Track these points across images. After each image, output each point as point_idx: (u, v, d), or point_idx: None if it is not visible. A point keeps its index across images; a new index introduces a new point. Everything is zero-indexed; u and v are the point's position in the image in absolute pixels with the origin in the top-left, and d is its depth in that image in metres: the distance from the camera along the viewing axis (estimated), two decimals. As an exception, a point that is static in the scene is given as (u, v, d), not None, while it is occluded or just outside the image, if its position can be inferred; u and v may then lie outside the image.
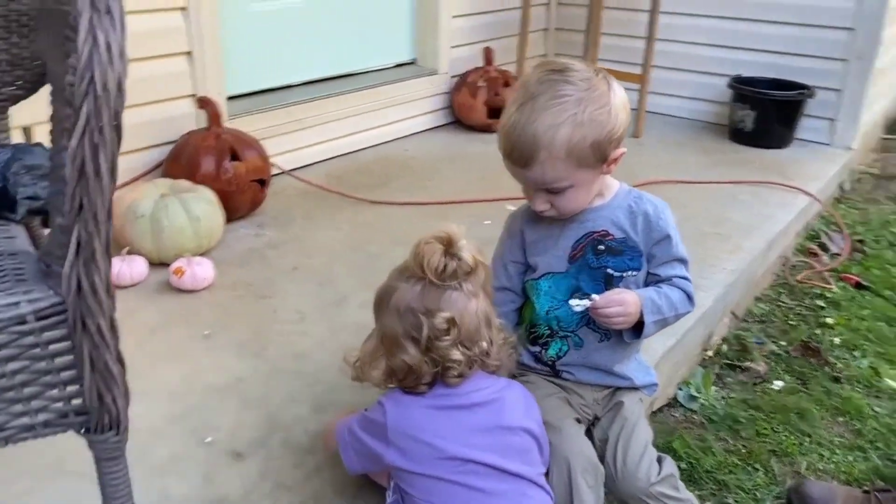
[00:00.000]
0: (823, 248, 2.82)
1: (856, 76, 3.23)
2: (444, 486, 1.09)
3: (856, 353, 2.14)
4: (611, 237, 1.32)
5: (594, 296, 1.28)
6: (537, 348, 1.41)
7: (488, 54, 3.37)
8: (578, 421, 1.35)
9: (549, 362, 1.40)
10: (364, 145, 3.10)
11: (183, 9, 2.28)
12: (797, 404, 1.90)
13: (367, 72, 3.21)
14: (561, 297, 1.35)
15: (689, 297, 1.35)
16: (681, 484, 1.33)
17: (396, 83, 3.18)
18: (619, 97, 1.24)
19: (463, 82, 3.34)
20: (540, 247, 1.37)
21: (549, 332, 1.39)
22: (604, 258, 1.33)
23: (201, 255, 2.02)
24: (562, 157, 1.20)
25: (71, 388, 0.86)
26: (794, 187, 2.85)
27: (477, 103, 3.29)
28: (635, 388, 1.42)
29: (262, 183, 2.33)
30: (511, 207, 2.83)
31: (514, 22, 3.50)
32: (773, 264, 2.59)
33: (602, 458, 1.30)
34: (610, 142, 1.23)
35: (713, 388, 1.97)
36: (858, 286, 2.53)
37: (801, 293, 2.50)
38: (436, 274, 1.12)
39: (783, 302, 2.45)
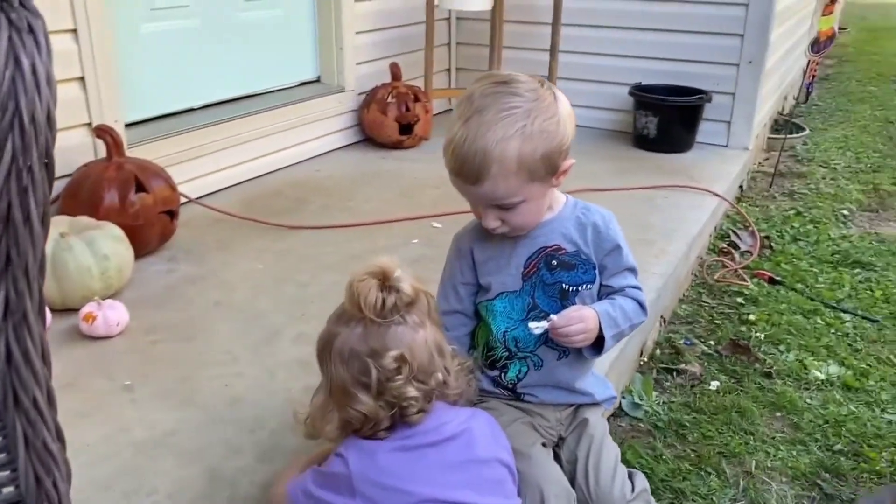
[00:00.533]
0: (734, 246, 2.92)
1: (748, 79, 3.38)
2: None
3: (781, 348, 2.21)
4: (563, 251, 1.29)
5: (552, 316, 1.23)
6: (496, 372, 1.36)
7: (395, 70, 3.31)
8: (544, 445, 1.30)
9: (510, 385, 1.35)
10: (273, 168, 2.96)
11: (73, 31, 2.10)
12: (736, 403, 1.93)
13: (272, 91, 3.08)
14: (517, 317, 1.31)
15: (642, 306, 1.33)
16: (652, 499, 1.30)
17: (302, 102, 3.07)
18: (566, 107, 1.20)
19: (371, 99, 3.27)
20: (491, 266, 1.32)
21: (507, 354, 1.33)
22: (558, 273, 1.29)
23: (111, 296, 1.85)
24: (513, 172, 1.15)
25: (1, 475, 0.73)
26: (702, 189, 2.93)
27: (388, 120, 3.22)
28: (596, 404, 1.39)
29: (172, 214, 2.18)
30: (437, 225, 2.81)
31: (418, 37, 3.46)
32: (692, 265, 2.65)
33: (572, 480, 1.26)
34: (560, 153, 1.19)
35: (654, 393, 1.97)
36: (771, 281, 2.63)
37: (720, 292, 2.57)
38: (375, 311, 1.04)
39: (705, 302, 2.51)
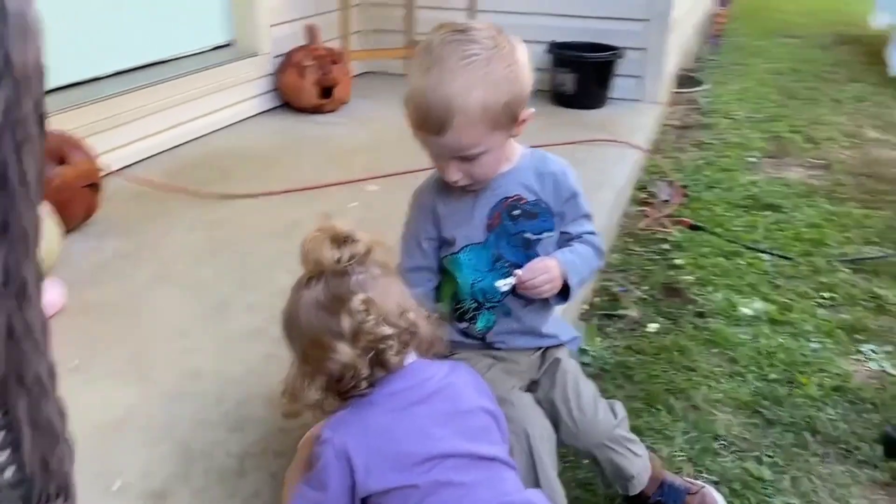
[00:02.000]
0: (654, 196, 3.03)
1: (656, 34, 3.49)
2: (425, 493, 1.00)
3: (709, 289, 2.32)
4: (524, 201, 1.30)
5: (517, 271, 1.26)
6: (465, 324, 1.37)
7: (313, 31, 3.22)
8: (521, 388, 1.33)
9: (480, 335, 1.37)
10: (191, 137, 2.85)
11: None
12: (675, 343, 2.03)
13: (184, 57, 2.94)
14: (484, 268, 1.32)
15: (600, 251, 1.37)
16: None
17: (216, 68, 2.95)
18: (524, 54, 1.21)
19: (288, 62, 3.17)
20: (455, 220, 1.32)
21: (475, 305, 1.35)
22: (520, 223, 1.31)
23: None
24: (477, 120, 1.15)
25: (3, 457, 0.69)
26: (623, 142, 3.03)
27: (306, 84, 3.14)
28: (562, 345, 1.43)
29: (94, 187, 2.06)
30: (372, 188, 2.78)
31: (332, -3, 3.37)
32: (619, 216, 2.74)
33: (552, 419, 1.30)
34: (521, 101, 1.20)
35: (598, 339, 2.04)
36: (692, 227, 2.75)
37: (646, 240, 2.67)
38: (332, 262, 1.04)
39: (633, 250, 2.60)
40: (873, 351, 1.99)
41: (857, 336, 2.06)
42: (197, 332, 1.65)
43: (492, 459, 1.06)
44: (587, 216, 1.37)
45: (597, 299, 2.26)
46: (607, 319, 2.17)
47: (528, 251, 1.31)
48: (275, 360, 1.55)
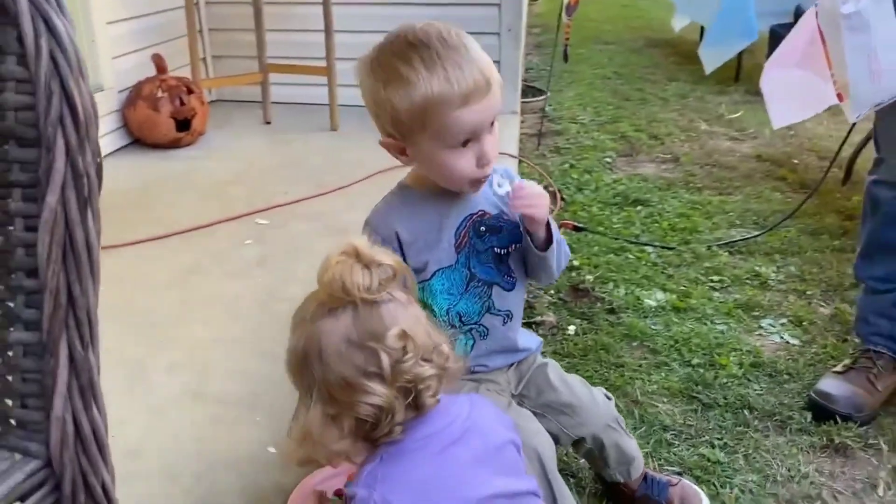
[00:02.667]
0: (532, 202, 3.10)
1: (508, 47, 3.59)
2: None
3: (610, 286, 2.41)
4: (488, 215, 1.28)
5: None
6: (441, 352, 1.31)
7: (159, 61, 2.99)
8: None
9: (459, 362, 1.31)
10: (38, 186, 2.53)
11: None
12: (597, 341, 2.08)
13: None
14: (457, 292, 1.28)
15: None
16: None
17: (57, 107, 2.65)
18: None
19: (137, 96, 2.92)
20: (420, 245, 1.26)
21: (451, 330, 1.29)
22: (487, 238, 1.28)
23: None
24: (499, 83, 1.16)
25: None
26: (501, 153, 3.07)
27: (161, 117, 2.91)
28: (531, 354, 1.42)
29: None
30: (262, 221, 2.61)
31: (172, 24, 3.15)
32: (509, 225, 2.77)
33: (554, 420, 1.32)
34: None
35: (524, 349, 2.04)
36: (576, 229, 2.84)
37: (537, 246, 2.72)
38: (365, 290, 0.92)
39: (528, 257, 2.64)
40: (771, 325, 2.15)
41: (754, 313, 2.22)
42: (119, 404, 1.44)
43: (527, 494, 1.01)
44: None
45: (510, 309, 2.26)
46: (528, 327, 2.17)
47: (500, 266, 1.28)
48: (222, 423, 1.41)
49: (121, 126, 2.99)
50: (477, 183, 1.21)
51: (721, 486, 1.54)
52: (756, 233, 2.73)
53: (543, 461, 1.17)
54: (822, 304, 2.27)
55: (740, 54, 4.72)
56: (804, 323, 2.15)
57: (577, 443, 1.37)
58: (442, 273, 1.26)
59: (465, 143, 1.14)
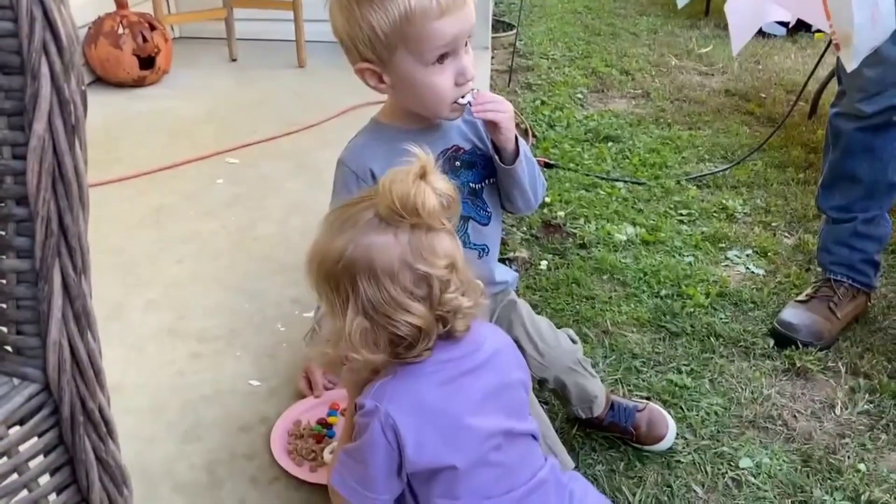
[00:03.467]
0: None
1: (478, -19, 3.52)
2: (464, 473, 0.94)
3: (581, 221, 2.44)
4: (462, 150, 1.28)
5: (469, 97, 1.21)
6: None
7: (119, -5, 2.89)
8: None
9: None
10: None
11: None
12: (569, 275, 2.12)
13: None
14: (433, 227, 1.28)
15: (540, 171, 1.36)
16: None
17: (14, 44, 2.56)
18: None
19: (98, 33, 2.83)
20: (397, 181, 1.26)
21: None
22: (462, 174, 1.29)
23: None
24: None
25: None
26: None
27: (124, 55, 2.83)
28: (506, 288, 1.44)
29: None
30: (233, 160, 2.57)
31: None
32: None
33: None
34: None
35: (498, 284, 2.08)
36: (547, 165, 2.86)
37: (509, 182, 2.73)
38: (436, 217, 0.91)
39: (501, 194, 2.66)
40: (737, 256, 2.21)
41: (720, 245, 2.27)
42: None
43: (526, 435, 1.03)
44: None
45: (484, 245, 2.29)
46: (502, 263, 2.20)
47: (475, 201, 1.30)
48: (202, 359, 1.43)
49: (82, 64, 2.90)
50: (457, 108, 1.20)
51: (688, 410, 1.61)
52: (724, 167, 2.78)
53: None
54: (787, 234, 2.34)
55: (711, -13, 4.70)
56: (769, 253, 2.21)
57: (541, 382, 1.41)
58: (417, 208, 1.27)
59: (442, 60, 1.14)
